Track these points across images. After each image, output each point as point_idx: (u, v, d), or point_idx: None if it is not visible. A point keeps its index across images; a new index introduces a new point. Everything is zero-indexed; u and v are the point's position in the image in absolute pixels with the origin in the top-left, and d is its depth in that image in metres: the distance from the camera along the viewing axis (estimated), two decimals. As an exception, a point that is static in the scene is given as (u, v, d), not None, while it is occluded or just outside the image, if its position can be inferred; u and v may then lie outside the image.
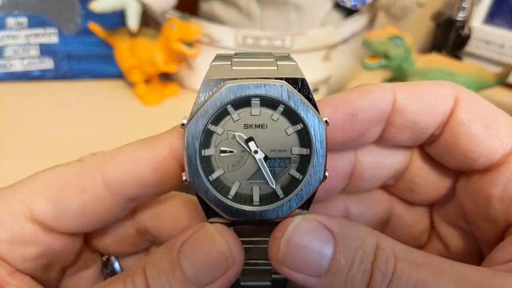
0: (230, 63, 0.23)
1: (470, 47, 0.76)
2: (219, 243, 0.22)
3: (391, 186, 0.29)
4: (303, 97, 0.22)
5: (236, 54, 0.24)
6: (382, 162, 0.28)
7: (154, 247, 0.31)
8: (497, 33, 0.74)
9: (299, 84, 0.22)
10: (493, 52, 0.74)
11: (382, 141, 0.26)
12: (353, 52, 0.70)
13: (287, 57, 0.24)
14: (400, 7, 0.65)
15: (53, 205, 0.23)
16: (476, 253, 0.27)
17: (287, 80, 0.22)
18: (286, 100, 0.22)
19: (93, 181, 0.24)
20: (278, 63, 0.23)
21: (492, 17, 0.75)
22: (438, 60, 0.62)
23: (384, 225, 0.31)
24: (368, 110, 0.24)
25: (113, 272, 0.30)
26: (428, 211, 0.30)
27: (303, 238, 0.21)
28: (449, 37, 0.77)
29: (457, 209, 0.27)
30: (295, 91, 0.22)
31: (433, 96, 0.24)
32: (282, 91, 0.22)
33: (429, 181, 0.28)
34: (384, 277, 0.20)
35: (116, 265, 0.30)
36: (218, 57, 0.24)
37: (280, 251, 0.21)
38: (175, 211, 0.28)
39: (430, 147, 0.26)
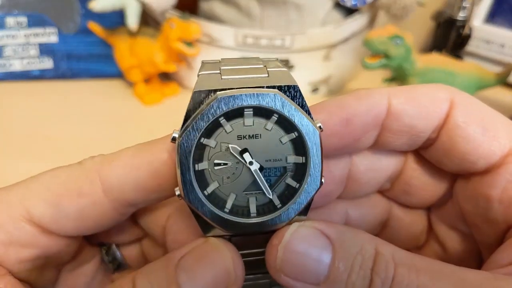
0: (219, 72, 0.22)
1: (471, 46, 0.76)
2: (226, 258, 0.21)
3: (388, 190, 0.29)
4: (296, 105, 0.21)
5: (222, 60, 0.24)
6: (378, 165, 0.27)
7: (147, 238, 0.31)
8: (498, 32, 0.74)
9: (292, 92, 0.22)
10: (493, 51, 0.74)
11: (378, 146, 0.26)
12: (353, 52, 0.70)
13: (276, 63, 0.23)
14: (401, 7, 0.65)
15: (51, 208, 0.23)
16: (474, 255, 0.27)
17: (280, 88, 0.22)
18: (280, 109, 0.21)
19: (91, 185, 0.23)
20: (268, 69, 0.23)
21: (492, 16, 0.75)
22: (439, 60, 0.62)
23: (382, 227, 0.31)
24: (364, 114, 0.24)
25: (114, 259, 0.30)
26: (426, 213, 0.30)
27: (300, 245, 0.21)
28: (449, 37, 0.77)
29: (455, 210, 0.27)
30: (288, 99, 0.21)
31: (429, 100, 0.24)
32: (275, 100, 0.21)
33: (425, 183, 0.28)
34: (384, 283, 0.20)
35: (117, 252, 0.30)
36: (205, 66, 0.23)
37: (277, 258, 0.21)
38: (164, 205, 0.28)
39: (427, 152, 0.26)
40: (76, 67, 0.72)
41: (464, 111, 0.24)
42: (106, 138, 0.58)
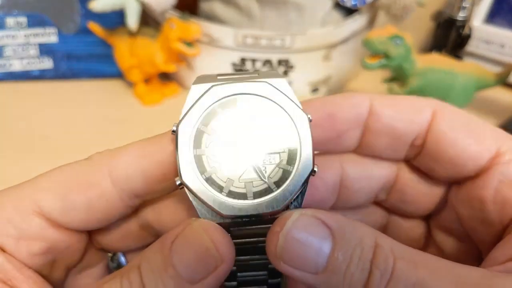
0: (215, 76, 0.25)
1: (471, 46, 0.76)
2: (204, 240, 0.22)
3: (384, 201, 0.30)
4: (285, 95, 0.24)
5: (219, 74, 0.26)
6: (369, 173, 0.28)
7: None
8: (498, 32, 0.73)
9: (280, 85, 0.24)
10: (493, 51, 0.74)
11: (362, 149, 0.28)
12: (353, 52, 0.70)
13: (274, 73, 0.26)
14: (400, 7, 0.65)
15: (60, 200, 0.24)
16: (473, 259, 0.28)
17: (268, 82, 0.24)
18: (271, 97, 0.24)
19: (100, 177, 0.24)
20: (259, 73, 0.25)
21: (492, 16, 0.75)
22: (439, 60, 0.61)
23: None
24: (347, 111, 0.26)
25: (119, 266, 0.30)
26: (424, 221, 0.30)
27: (301, 233, 0.21)
28: (449, 37, 0.77)
29: (451, 216, 0.28)
30: (278, 89, 0.24)
31: (410, 105, 0.26)
32: (265, 88, 0.24)
33: (421, 191, 0.28)
34: (382, 276, 0.20)
35: (122, 259, 0.30)
36: (202, 76, 0.26)
37: (278, 246, 0.21)
38: (173, 205, 0.28)
39: (417, 161, 0.27)
40: (76, 67, 0.72)
41: (447, 117, 0.25)
42: (106, 138, 0.58)
